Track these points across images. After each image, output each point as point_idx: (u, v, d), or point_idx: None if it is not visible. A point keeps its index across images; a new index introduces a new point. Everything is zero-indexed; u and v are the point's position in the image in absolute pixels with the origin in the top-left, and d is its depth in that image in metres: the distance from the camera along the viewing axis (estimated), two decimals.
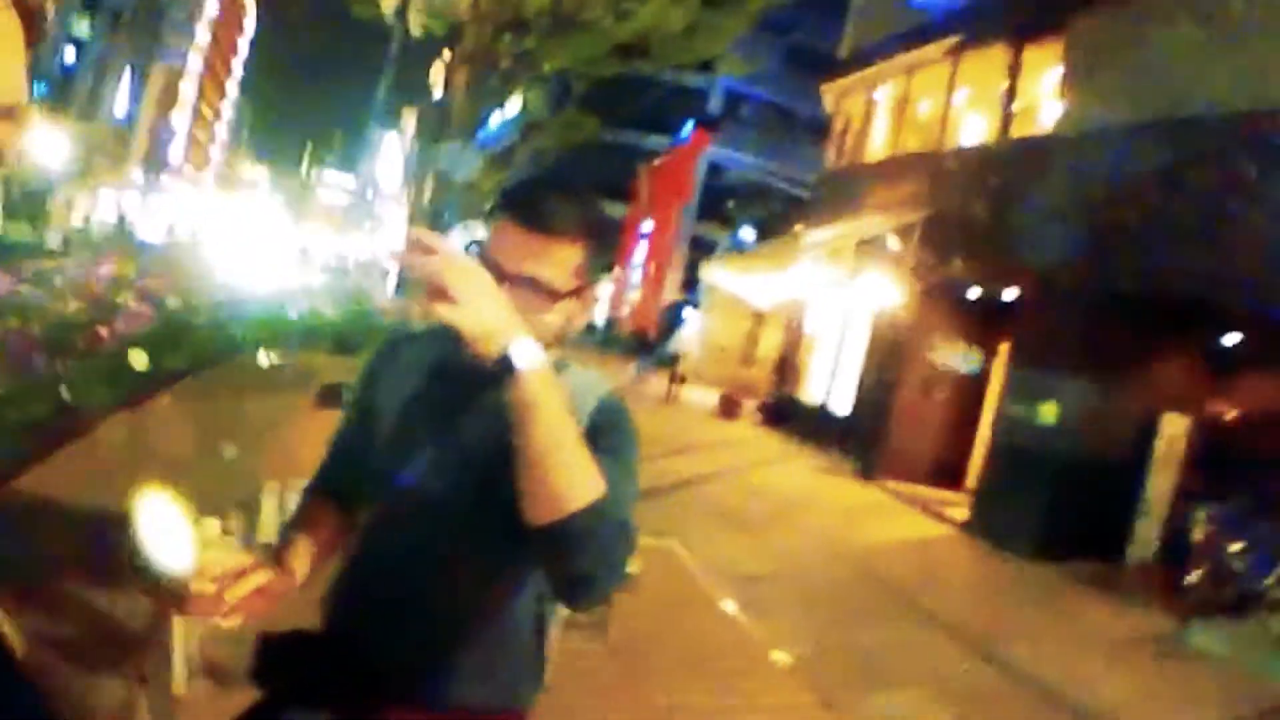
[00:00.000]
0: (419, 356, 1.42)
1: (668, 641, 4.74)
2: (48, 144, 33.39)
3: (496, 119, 25.59)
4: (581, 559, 1.16)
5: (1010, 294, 9.88)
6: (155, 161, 58.93)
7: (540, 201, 1.30)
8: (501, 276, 1.20)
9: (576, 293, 1.32)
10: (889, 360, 11.77)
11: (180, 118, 64.44)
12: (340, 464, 1.51)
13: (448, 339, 1.26)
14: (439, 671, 1.34)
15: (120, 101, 53.74)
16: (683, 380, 16.80)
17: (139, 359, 6.31)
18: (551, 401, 1.12)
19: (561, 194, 1.32)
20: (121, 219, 45.35)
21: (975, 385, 10.91)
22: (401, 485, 1.37)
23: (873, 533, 8.56)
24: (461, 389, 1.33)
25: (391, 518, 1.41)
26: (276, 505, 2.75)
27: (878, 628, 5.57)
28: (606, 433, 1.29)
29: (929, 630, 5.68)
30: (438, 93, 27.87)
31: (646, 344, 18.02)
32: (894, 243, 11.60)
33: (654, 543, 6.28)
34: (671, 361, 17.16)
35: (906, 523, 9.36)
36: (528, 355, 1.08)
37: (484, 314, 1.07)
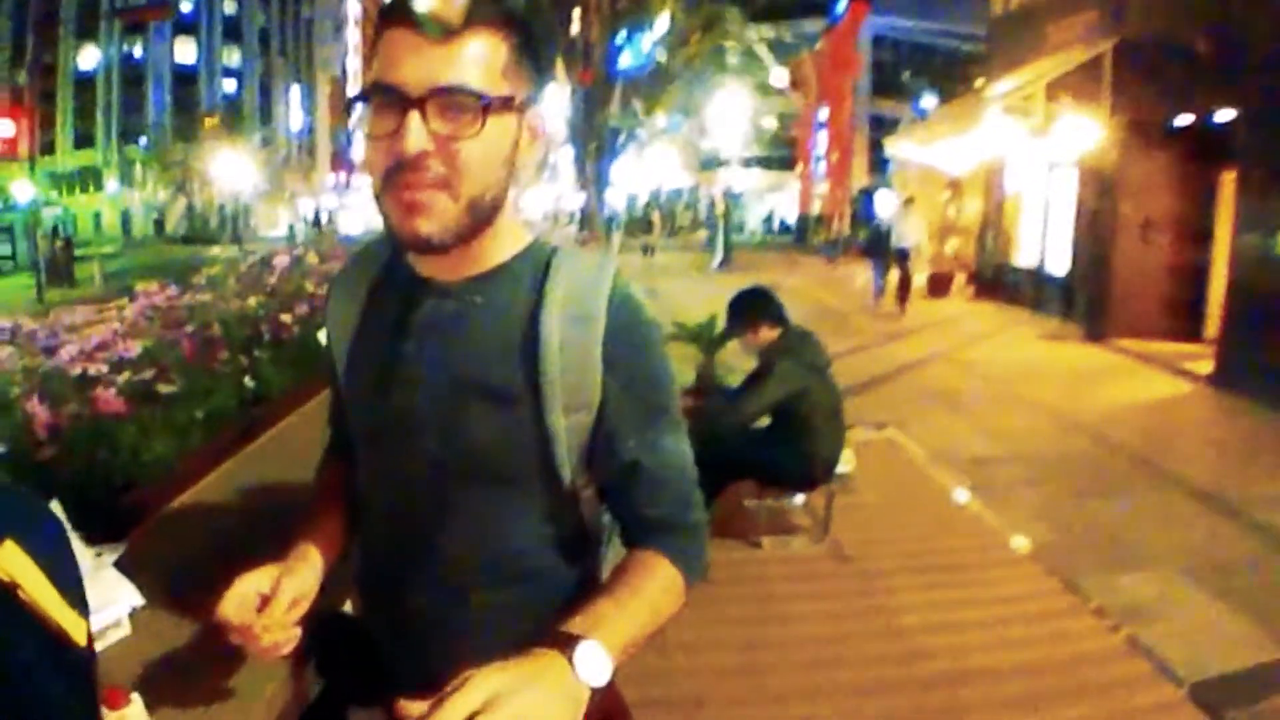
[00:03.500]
0: (362, 284, 1.22)
1: (896, 537, 4.69)
2: (230, 168, 36.16)
3: (645, 44, 25.58)
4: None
5: (1226, 115, 8.87)
6: (342, 163, 63.02)
7: None
8: (407, 103, 0.96)
9: (510, 104, 1.02)
10: (1102, 209, 10.94)
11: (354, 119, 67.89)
12: (337, 418, 1.33)
13: (387, 256, 1.19)
14: (477, 635, 1.12)
15: (295, 116, 57.71)
16: (909, 283, 13.48)
17: (324, 336, 6.80)
18: (634, 635, 0.99)
19: None
20: (318, 220, 48.69)
21: (1201, 221, 9.95)
22: (369, 432, 1.20)
23: (1107, 398, 8.09)
24: (409, 314, 1.13)
25: (372, 473, 1.22)
26: None
27: (1121, 502, 5.32)
28: (628, 349, 1.09)
29: (1178, 499, 5.37)
30: (574, 27, 27.82)
31: (879, 245, 14.32)
32: (1084, 78, 10.69)
33: (873, 435, 6.28)
34: (900, 258, 13.53)
35: (1144, 383, 8.77)
36: (598, 670, 0.90)
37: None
